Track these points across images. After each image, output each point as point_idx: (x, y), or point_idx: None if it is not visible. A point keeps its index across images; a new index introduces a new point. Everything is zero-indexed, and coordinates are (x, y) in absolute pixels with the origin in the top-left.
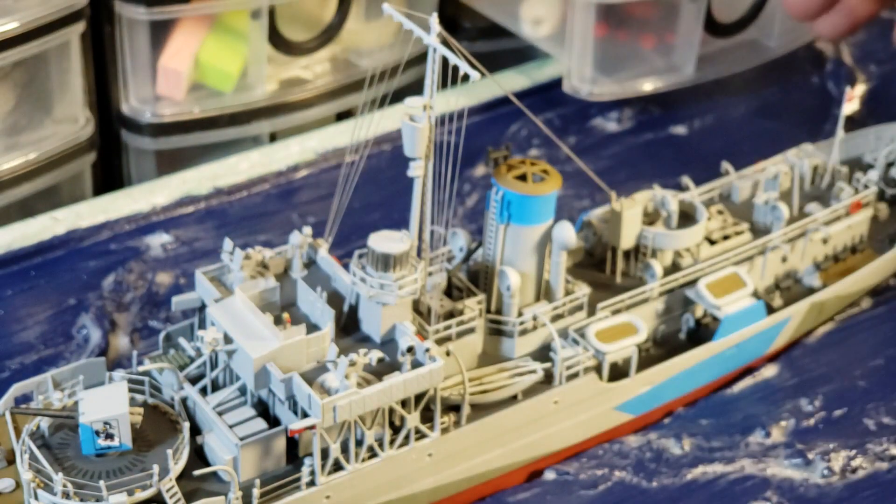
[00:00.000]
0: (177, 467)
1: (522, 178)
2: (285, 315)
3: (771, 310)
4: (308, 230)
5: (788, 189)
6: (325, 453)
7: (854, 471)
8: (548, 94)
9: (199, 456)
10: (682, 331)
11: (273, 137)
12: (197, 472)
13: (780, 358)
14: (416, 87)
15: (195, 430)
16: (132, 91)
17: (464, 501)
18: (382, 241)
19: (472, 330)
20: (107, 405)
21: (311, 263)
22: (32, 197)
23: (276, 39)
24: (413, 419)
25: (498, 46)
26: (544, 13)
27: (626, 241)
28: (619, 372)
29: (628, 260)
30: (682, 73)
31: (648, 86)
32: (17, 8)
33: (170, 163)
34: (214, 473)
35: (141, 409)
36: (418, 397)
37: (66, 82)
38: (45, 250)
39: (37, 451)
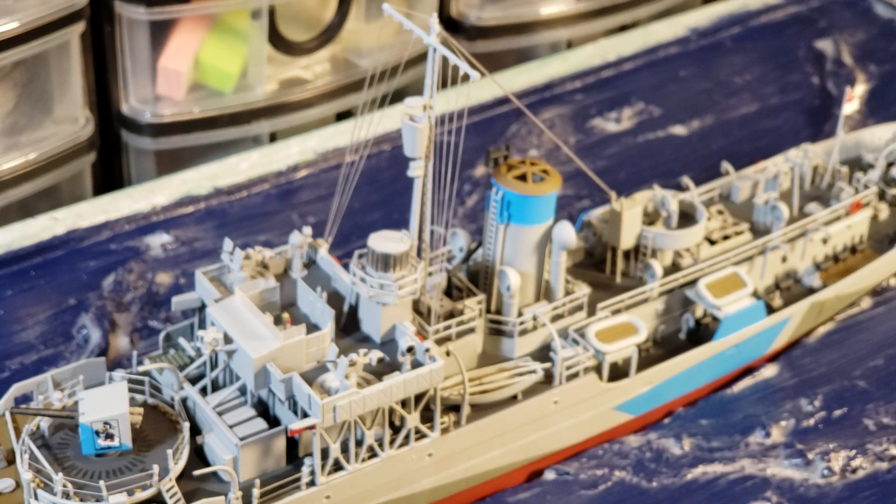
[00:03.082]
0: (177, 467)
1: (522, 178)
2: (285, 315)
3: (771, 310)
4: (308, 230)
5: (788, 189)
6: (325, 453)
7: (854, 471)
8: (548, 94)
9: (199, 456)
10: (682, 331)
11: (273, 137)
12: (197, 472)
13: (780, 358)
14: (416, 87)
15: (195, 430)
16: (132, 91)
17: (464, 501)
18: (382, 241)
19: (472, 330)
20: (107, 405)
21: (311, 263)
22: (32, 197)
23: (276, 39)
24: (413, 419)
25: (498, 46)
26: None
27: (626, 241)
28: (619, 372)
29: (628, 260)
30: None
31: (546, 10)
32: (17, 8)
33: (170, 163)
34: (214, 473)
35: (141, 409)
36: (418, 397)
37: (66, 82)
38: (45, 250)
39: (37, 451)
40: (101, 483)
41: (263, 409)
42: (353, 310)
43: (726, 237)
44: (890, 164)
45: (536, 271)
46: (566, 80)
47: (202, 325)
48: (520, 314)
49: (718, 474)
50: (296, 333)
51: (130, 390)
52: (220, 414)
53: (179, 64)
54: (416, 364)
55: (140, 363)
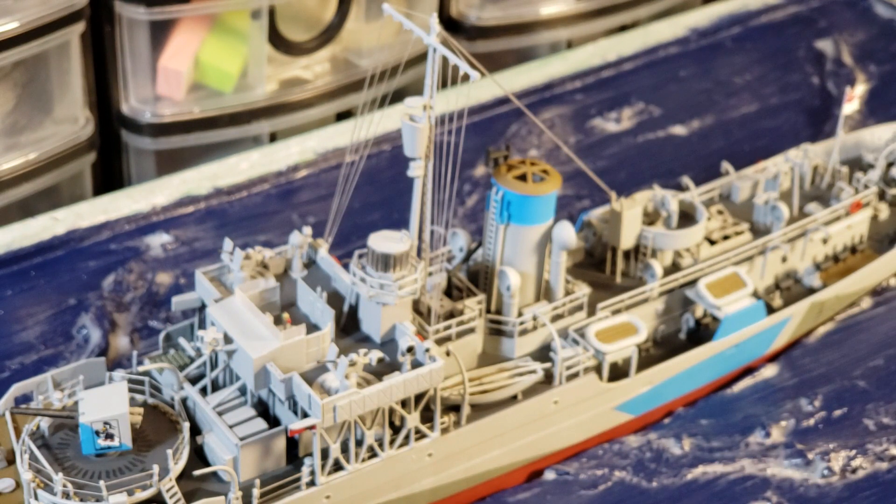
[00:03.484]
0: (177, 467)
1: (522, 178)
2: (285, 315)
3: (771, 310)
4: (308, 230)
5: (788, 189)
6: (325, 453)
7: (854, 471)
8: (548, 94)
9: (199, 456)
10: (682, 331)
11: (273, 137)
12: (197, 472)
13: (780, 358)
14: (416, 87)
15: (195, 430)
16: (132, 91)
17: (464, 501)
18: (382, 241)
19: (472, 330)
20: (107, 405)
21: (311, 263)
22: (32, 197)
23: (276, 39)
24: (413, 419)
25: (498, 46)
26: None
27: (626, 241)
28: (619, 372)
29: (628, 260)
30: None
31: (546, 10)
32: (17, 8)
33: (170, 163)
34: (214, 473)
35: (141, 409)
36: (418, 397)
37: (66, 82)
38: (45, 250)
39: (37, 451)
40: (101, 483)
41: (263, 409)
42: (353, 310)
43: (726, 237)
44: (890, 164)
45: (536, 271)
46: (566, 80)
47: (202, 325)
48: (520, 314)
49: (718, 474)
50: (296, 333)
51: (130, 390)
52: (220, 414)
53: (179, 64)
54: (416, 364)
55: (140, 363)
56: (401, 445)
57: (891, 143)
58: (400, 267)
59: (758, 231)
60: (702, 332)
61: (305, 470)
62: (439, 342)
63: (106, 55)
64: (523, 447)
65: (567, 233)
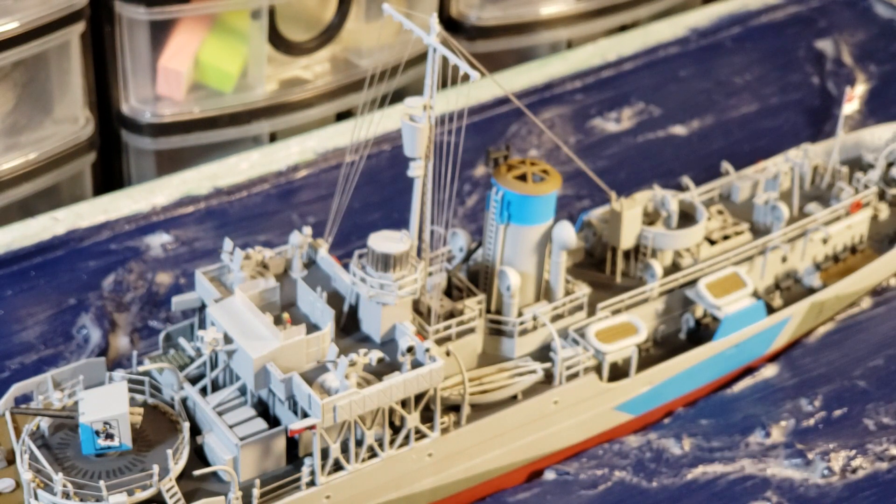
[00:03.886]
0: (177, 467)
1: (522, 178)
2: (285, 315)
3: (771, 310)
4: (308, 230)
5: (788, 189)
6: (325, 453)
7: (854, 471)
8: (548, 94)
9: (199, 456)
10: (682, 331)
11: (273, 137)
12: (197, 472)
13: (780, 358)
14: (416, 87)
15: (195, 430)
16: (132, 91)
17: (464, 501)
18: (382, 241)
19: (472, 330)
20: (107, 405)
21: (311, 263)
22: (32, 197)
23: (276, 39)
24: (413, 419)
25: (498, 46)
26: None
27: (626, 241)
28: (619, 372)
29: (628, 260)
30: None
31: (546, 10)
32: (17, 8)
33: (170, 163)
34: (214, 473)
35: (141, 409)
36: (418, 397)
37: (66, 82)
38: (45, 250)
39: (37, 451)
40: (101, 483)
41: (263, 409)
42: (353, 310)
43: (726, 237)
44: (890, 164)
45: (536, 271)
46: (566, 80)
47: (202, 325)
48: (520, 314)
49: (718, 474)
50: (296, 333)
51: (130, 390)
52: (220, 414)
53: (179, 64)
54: (416, 364)
55: (140, 363)
56: (401, 445)
57: (891, 143)
58: (400, 267)
59: (758, 231)
60: (702, 332)
61: (305, 470)
62: (439, 342)
63: (106, 55)
64: (523, 447)
65: (567, 233)
